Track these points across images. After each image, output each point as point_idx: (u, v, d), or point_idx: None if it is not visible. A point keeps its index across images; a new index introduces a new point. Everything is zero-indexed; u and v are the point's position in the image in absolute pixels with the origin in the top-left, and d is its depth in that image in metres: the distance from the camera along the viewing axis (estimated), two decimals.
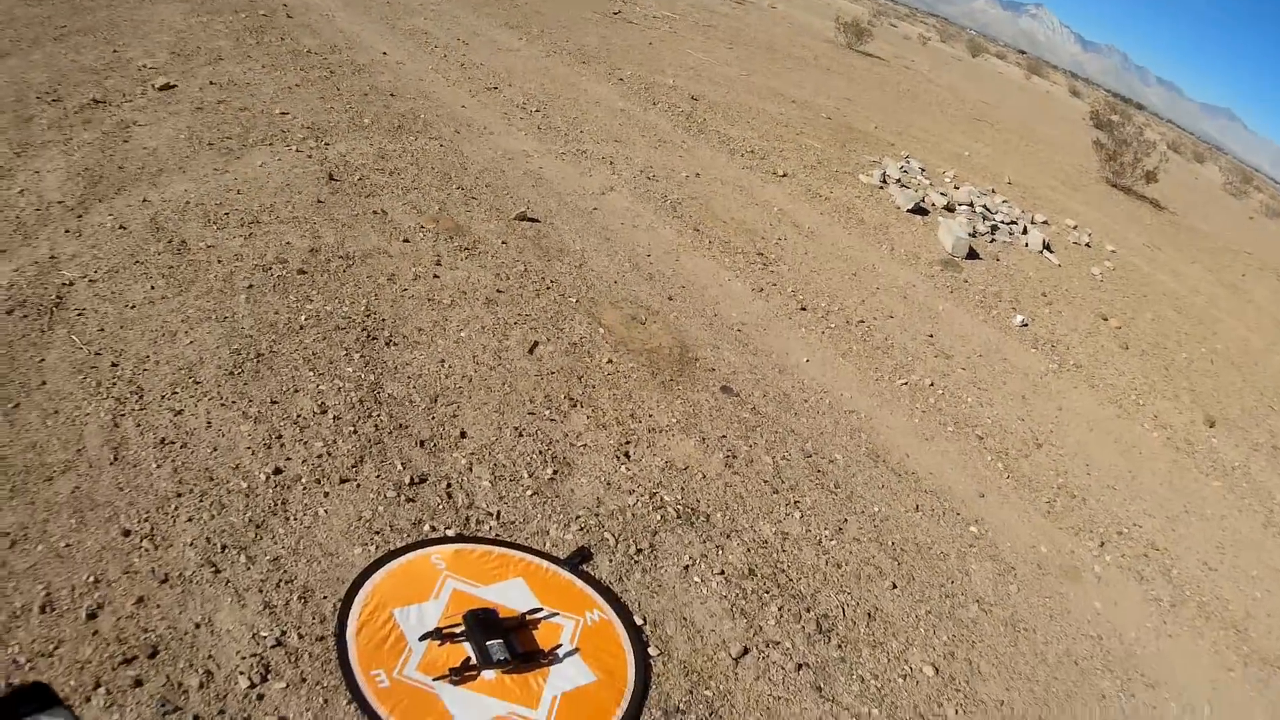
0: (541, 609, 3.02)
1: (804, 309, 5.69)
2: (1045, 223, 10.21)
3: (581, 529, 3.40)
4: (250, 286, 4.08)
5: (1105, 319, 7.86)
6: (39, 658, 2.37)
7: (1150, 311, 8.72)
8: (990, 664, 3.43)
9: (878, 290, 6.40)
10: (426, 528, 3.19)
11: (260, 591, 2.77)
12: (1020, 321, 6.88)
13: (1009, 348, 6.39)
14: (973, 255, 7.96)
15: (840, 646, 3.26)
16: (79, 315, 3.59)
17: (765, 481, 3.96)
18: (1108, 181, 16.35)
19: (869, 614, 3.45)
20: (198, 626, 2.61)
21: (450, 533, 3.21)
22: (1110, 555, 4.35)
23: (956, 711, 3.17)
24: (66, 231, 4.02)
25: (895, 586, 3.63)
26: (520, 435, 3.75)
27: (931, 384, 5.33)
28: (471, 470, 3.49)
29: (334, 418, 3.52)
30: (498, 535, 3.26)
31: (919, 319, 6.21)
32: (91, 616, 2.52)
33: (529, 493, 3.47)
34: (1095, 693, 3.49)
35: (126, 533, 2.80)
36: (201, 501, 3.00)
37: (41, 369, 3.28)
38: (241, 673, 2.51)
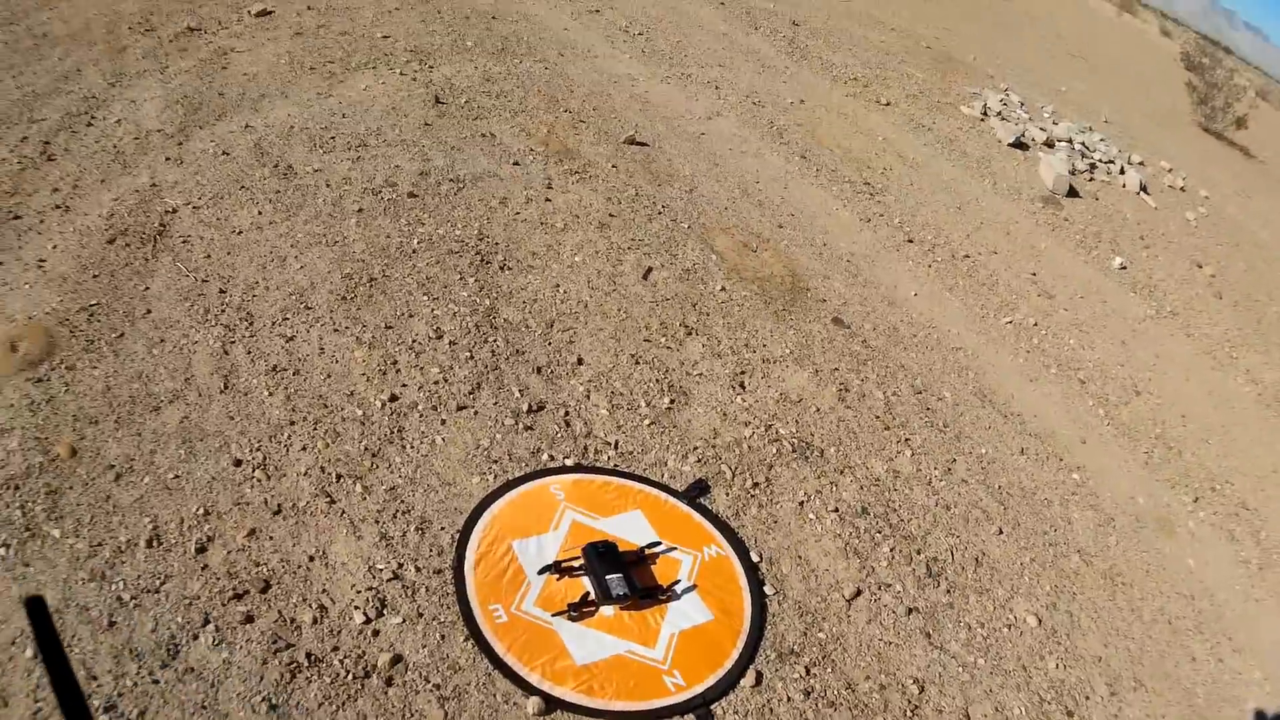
0: (660, 543, 3.01)
1: (910, 241, 5.65)
2: (1141, 164, 9.90)
3: (699, 460, 3.39)
4: (360, 210, 4.04)
5: (1200, 266, 7.68)
6: (144, 594, 2.33)
7: (1243, 261, 8.46)
8: (1090, 618, 3.45)
9: (981, 225, 6.32)
10: (545, 457, 3.17)
11: (376, 523, 2.73)
12: (1119, 264, 6.76)
13: (1109, 290, 6.29)
14: (1073, 193, 7.82)
15: (949, 592, 3.28)
16: (183, 242, 3.53)
17: (877, 417, 3.97)
18: (1200, 125, 15.70)
19: (976, 559, 3.48)
20: (311, 559, 2.57)
21: (569, 462, 3.19)
22: (1204, 512, 4.32)
23: (1057, 666, 3.19)
24: (167, 159, 3.96)
25: (1001, 532, 3.65)
26: (637, 363, 3.75)
27: (1035, 324, 5.29)
28: (589, 398, 3.48)
29: (450, 343, 3.49)
30: (616, 465, 3.25)
31: (1022, 256, 6.13)
32: (201, 550, 2.48)
33: (647, 422, 3.47)
34: (1186, 654, 3.50)
35: (238, 463, 2.76)
36: (315, 429, 2.95)
37: (146, 297, 3.23)
38: (356, 607, 2.48)
